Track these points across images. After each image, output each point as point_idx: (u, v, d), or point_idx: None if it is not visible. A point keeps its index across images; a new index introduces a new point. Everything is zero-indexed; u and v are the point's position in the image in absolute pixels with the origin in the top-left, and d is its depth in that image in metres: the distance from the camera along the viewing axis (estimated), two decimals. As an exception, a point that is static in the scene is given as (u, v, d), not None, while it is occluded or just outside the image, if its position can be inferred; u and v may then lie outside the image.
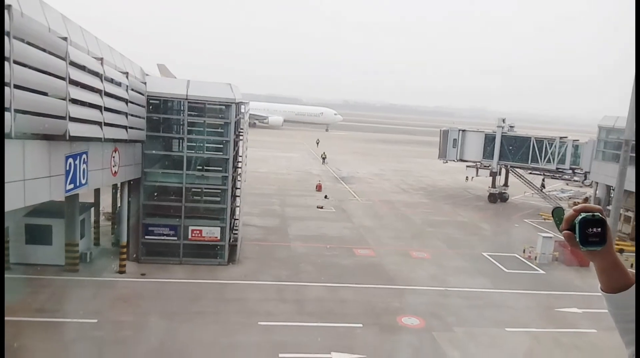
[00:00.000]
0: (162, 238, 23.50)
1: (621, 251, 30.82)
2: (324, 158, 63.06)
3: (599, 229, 1.80)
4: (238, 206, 26.44)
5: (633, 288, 1.97)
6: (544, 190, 48.75)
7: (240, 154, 26.56)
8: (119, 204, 25.43)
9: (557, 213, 1.93)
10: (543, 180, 51.31)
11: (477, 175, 46.49)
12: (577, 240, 1.82)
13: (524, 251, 29.22)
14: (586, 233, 1.80)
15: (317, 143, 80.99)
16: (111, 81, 18.73)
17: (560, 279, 25.74)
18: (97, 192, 25.63)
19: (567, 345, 18.41)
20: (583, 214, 1.80)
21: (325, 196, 41.86)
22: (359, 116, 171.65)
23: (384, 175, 58.16)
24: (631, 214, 35.43)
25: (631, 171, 31.30)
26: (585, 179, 45.44)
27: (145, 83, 22.45)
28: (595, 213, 1.80)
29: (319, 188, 44.85)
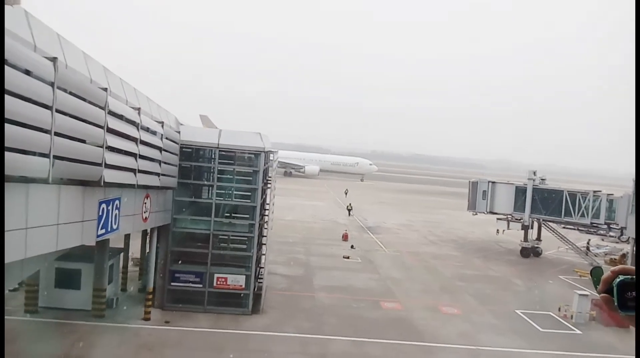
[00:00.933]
0: (188, 285, 23.47)
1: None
2: (349, 210, 60.72)
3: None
4: (264, 254, 26.36)
5: None
6: (585, 248, 47.02)
7: (267, 201, 26.77)
8: (147, 250, 25.70)
9: (595, 273, 1.84)
10: (588, 242, 48.98)
11: (508, 228, 45.37)
12: (616, 303, 1.72)
13: (559, 310, 27.89)
14: (625, 297, 1.70)
15: (346, 193, 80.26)
16: (147, 129, 19.38)
17: (598, 340, 24.33)
18: (127, 237, 26.03)
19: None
20: (622, 277, 1.71)
21: (352, 246, 41.39)
22: (386, 165, 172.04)
23: (411, 226, 57.39)
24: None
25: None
26: (621, 235, 43.71)
27: (179, 132, 23.18)
28: (634, 277, 1.71)
29: (345, 237, 44.47)
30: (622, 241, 49.85)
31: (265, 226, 26.57)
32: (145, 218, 20.20)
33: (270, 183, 26.83)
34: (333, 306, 26.12)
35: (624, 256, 44.23)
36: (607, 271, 1.85)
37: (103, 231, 16.21)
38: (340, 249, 40.20)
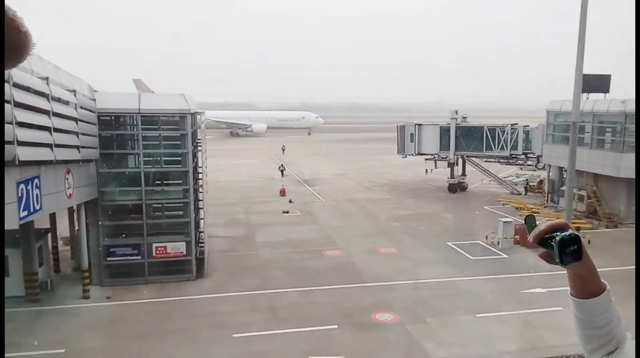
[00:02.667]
0: (125, 258, 22.84)
1: (578, 229, 32.16)
2: (282, 171, 55.05)
3: (576, 246, 1.83)
4: (202, 219, 26.02)
5: (605, 295, 1.98)
6: (505, 178, 50.28)
7: (200, 165, 26.17)
8: (76, 228, 24.57)
9: (529, 220, 1.95)
10: (527, 182, 49.66)
11: (435, 167, 47.50)
12: (557, 260, 1.84)
13: (486, 238, 30.05)
14: (565, 252, 1.83)
15: (283, 150, 78.13)
16: (58, 100, 18.09)
17: (523, 261, 26.59)
18: (52, 217, 24.69)
19: (536, 325, 19.04)
20: (559, 235, 1.82)
21: (290, 201, 41.75)
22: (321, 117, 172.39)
23: (346, 174, 58.57)
24: (584, 193, 37.02)
25: (581, 151, 32.73)
26: (538, 163, 47.19)
27: (94, 100, 21.80)
28: (571, 233, 1.83)
29: (282, 192, 44.70)
30: (539, 169, 53.87)
31: (201, 190, 26.08)
32: (70, 194, 19.18)
33: (200, 146, 26.14)
34: (277, 261, 26.54)
35: (541, 182, 47.92)
36: (539, 221, 1.93)
37: (25, 213, 15.28)
38: (279, 205, 40.46)
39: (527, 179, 51.71)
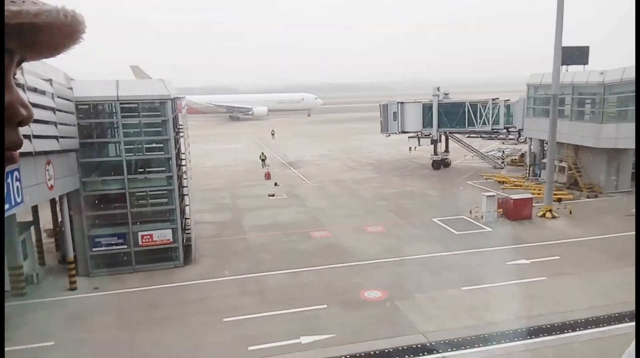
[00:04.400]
0: (111, 248, 22.69)
1: (559, 200, 32.75)
2: (263, 160, 50.38)
3: None
4: (187, 205, 25.87)
5: None
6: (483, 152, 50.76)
7: (182, 151, 25.90)
8: (60, 219, 24.27)
9: None
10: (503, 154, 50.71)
11: (419, 145, 47.74)
12: None
13: (470, 212, 30.45)
14: None
15: (273, 134, 75.73)
16: (34, 90, 17.67)
17: (506, 234, 27.08)
18: (35, 209, 24.33)
19: (521, 295, 19.48)
20: None
21: (275, 184, 41.71)
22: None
23: (331, 155, 58.56)
24: (564, 164, 37.59)
25: (561, 124, 33.16)
26: (519, 137, 47.65)
27: (71, 88, 21.33)
28: None
29: (267, 176, 44.58)
30: (521, 143, 54.43)
31: (185, 176, 25.88)
32: (51, 186, 18.89)
33: (182, 131, 25.83)
34: (265, 244, 26.61)
35: (522, 156, 48.51)
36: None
37: (7, 206, 15.01)
38: (265, 188, 40.39)
39: (503, 152, 52.35)
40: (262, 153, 51.73)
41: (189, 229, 25.28)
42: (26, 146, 16.37)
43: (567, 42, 31.31)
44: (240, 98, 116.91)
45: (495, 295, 19.59)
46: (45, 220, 26.43)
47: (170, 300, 20.01)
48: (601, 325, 16.88)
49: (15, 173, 15.71)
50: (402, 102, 47.12)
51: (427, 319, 17.75)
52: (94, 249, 22.44)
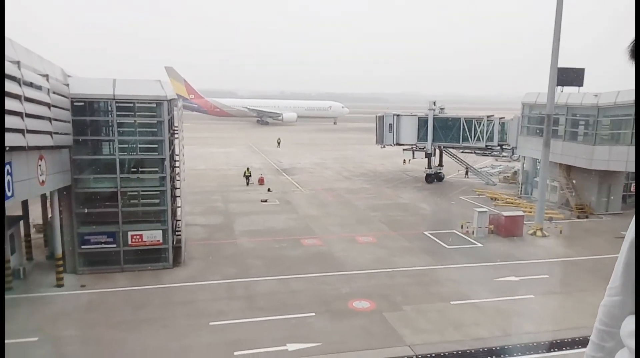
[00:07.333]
0: (100, 246, 22.51)
1: (550, 219, 32.95)
2: (247, 176, 44.90)
3: None
4: (179, 207, 25.75)
5: None
6: (477, 168, 51.03)
7: (177, 153, 25.84)
8: (49, 215, 24.07)
9: None
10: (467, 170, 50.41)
11: (413, 157, 48.04)
12: None
13: (462, 227, 30.54)
14: None
15: (279, 143, 74.51)
16: (30, 84, 17.59)
17: (497, 250, 27.16)
18: (25, 204, 24.12)
19: (509, 312, 19.51)
20: None
21: (269, 189, 41.66)
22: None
23: (325, 164, 58.63)
24: (557, 184, 37.87)
25: (555, 144, 33.45)
26: (513, 154, 48.00)
27: (68, 85, 21.26)
28: None
29: (261, 181, 44.53)
30: (514, 160, 54.84)
31: (178, 178, 25.79)
32: (42, 181, 18.76)
33: (177, 133, 25.77)
34: (256, 249, 26.52)
35: (515, 173, 48.83)
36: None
37: (-4, 199, 14.87)
38: (258, 193, 40.33)
39: (501, 171, 52.61)
40: (247, 169, 45.95)
41: (180, 231, 25.15)
42: (19, 141, 16.27)
43: (562, 63, 31.68)
44: (269, 103, 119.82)
45: (484, 310, 19.61)
46: (35, 215, 26.23)
47: (157, 301, 19.84)
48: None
49: (7, 166, 15.60)
50: (398, 115, 47.37)
51: (415, 332, 17.72)
52: (82, 246, 22.25)
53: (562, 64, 31.21)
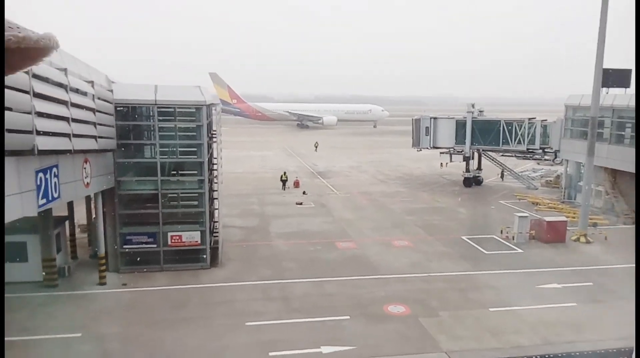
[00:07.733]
0: (141, 246, 23.17)
1: (595, 225, 31.74)
2: (284, 181, 44.42)
3: None
4: (217, 209, 26.24)
5: None
6: (518, 171, 49.75)
7: (215, 156, 26.34)
8: (93, 216, 24.96)
9: None
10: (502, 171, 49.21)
11: (451, 161, 47.23)
12: None
13: (501, 232, 29.80)
14: None
15: (316, 147, 74.30)
16: (76, 91, 18.33)
17: (538, 256, 26.36)
18: (70, 205, 25.10)
19: (550, 320, 18.88)
20: None
21: (304, 192, 41.87)
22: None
23: (360, 167, 58.45)
24: (602, 189, 36.46)
25: (600, 147, 32.24)
26: (555, 158, 46.50)
27: (112, 91, 22.04)
28: None
29: (296, 184, 44.82)
30: (556, 164, 53.11)
31: (215, 180, 26.29)
32: (87, 183, 19.48)
33: (215, 137, 26.28)
34: (291, 252, 26.68)
35: (558, 177, 47.30)
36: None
37: (44, 201, 15.57)
38: (293, 196, 40.60)
39: (543, 174, 51.01)
40: (284, 173, 45.62)
41: (217, 232, 25.61)
42: (66, 144, 16.97)
43: (609, 63, 30.51)
44: (309, 107, 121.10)
45: (524, 318, 19.06)
46: (80, 216, 27.25)
47: (195, 301, 20.25)
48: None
49: (54, 169, 16.29)
50: (434, 118, 46.76)
51: (452, 338, 17.40)
52: (124, 246, 22.97)
53: (607, 64, 30.08)
